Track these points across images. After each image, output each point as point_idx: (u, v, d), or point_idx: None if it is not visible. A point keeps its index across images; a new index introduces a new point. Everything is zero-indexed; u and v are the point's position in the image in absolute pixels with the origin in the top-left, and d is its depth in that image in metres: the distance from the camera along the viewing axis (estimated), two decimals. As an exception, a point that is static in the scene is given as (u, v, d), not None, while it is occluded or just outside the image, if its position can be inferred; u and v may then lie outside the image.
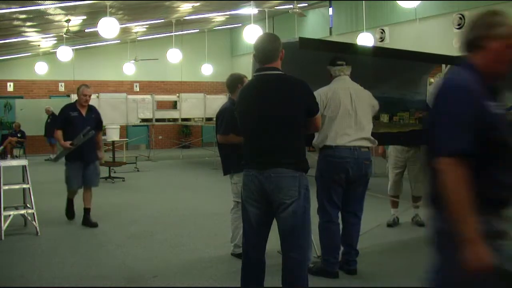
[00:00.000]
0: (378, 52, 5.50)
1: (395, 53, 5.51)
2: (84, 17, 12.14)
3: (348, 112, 4.18)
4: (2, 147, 6.32)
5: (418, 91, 6.10)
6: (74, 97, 14.85)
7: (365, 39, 12.04)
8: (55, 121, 15.54)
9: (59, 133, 6.44)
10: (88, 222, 6.46)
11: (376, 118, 5.69)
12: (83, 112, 6.49)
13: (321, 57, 4.44)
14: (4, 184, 5.87)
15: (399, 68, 5.61)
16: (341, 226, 4.46)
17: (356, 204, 4.45)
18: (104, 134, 13.26)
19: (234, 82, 4.87)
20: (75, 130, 6.31)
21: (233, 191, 4.90)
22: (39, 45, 16.29)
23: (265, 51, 3.26)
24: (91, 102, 6.66)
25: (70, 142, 6.24)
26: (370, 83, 5.43)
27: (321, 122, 3.75)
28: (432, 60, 6.12)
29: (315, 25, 16.12)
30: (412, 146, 6.10)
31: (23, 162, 6.22)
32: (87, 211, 6.53)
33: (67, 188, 6.60)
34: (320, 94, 4.17)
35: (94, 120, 6.58)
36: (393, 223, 6.21)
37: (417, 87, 6.07)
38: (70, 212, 6.76)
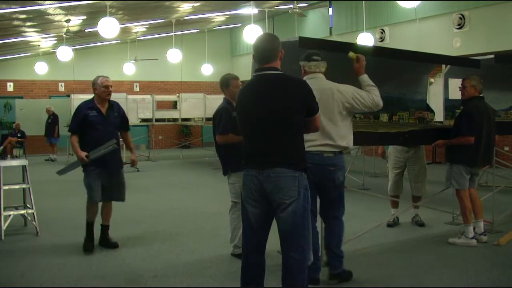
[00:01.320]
0: (378, 52, 5.50)
1: (395, 53, 5.51)
2: (84, 17, 12.14)
3: None
4: (2, 147, 6.31)
5: (418, 91, 6.09)
6: (74, 97, 15.00)
7: (365, 39, 12.04)
8: (56, 121, 15.68)
9: (74, 139, 5.20)
10: (107, 242, 5.43)
11: (375, 117, 5.66)
12: (104, 110, 5.28)
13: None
14: (4, 184, 5.87)
15: (399, 68, 5.61)
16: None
17: (331, 208, 4.28)
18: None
19: (225, 80, 5.03)
20: (95, 135, 5.16)
21: (231, 191, 4.90)
22: (39, 45, 16.30)
23: (264, 51, 3.26)
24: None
25: (86, 154, 5.10)
26: (375, 81, 5.39)
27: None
28: (432, 60, 6.11)
29: (315, 25, 16.12)
30: (411, 146, 6.10)
31: (23, 162, 6.22)
32: (105, 229, 5.49)
33: (88, 202, 5.35)
34: None
35: (119, 119, 5.42)
36: (393, 223, 6.20)
37: (417, 87, 6.08)
38: (89, 241, 5.35)
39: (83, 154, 5.09)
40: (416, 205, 6.22)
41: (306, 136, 3.88)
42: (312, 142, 3.95)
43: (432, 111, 6.14)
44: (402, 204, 6.28)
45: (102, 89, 5.26)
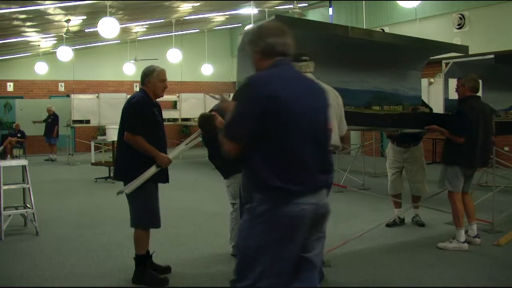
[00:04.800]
0: (357, 33, 5.24)
1: (379, 37, 5.37)
2: (84, 17, 12.15)
3: None
4: (2, 147, 6.32)
5: (412, 87, 5.94)
6: (74, 97, 15.00)
7: (365, 39, 12.03)
8: (56, 121, 15.65)
9: (142, 140, 4.10)
10: (159, 268, 4.45)
11: (367, 108, 5.47)
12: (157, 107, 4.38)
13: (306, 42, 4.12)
14: (4, 184, 5.87)
15: (391, 64, 5.47)
16: None
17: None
18: (104, 134, 13.27)
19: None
20: (160, 138, 4.25)
21: (228, 193, 4.93)
22: (39, 45, 16.30)
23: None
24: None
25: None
26: (361, 77, 5.28)
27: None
28: (418, 45, 5.95)
29: (315, 25, 16.12)
30: (407, 146, 6.05)
31: (23, 162, 6.22)
32: (150, 255, 4.44)
33: (143, 231, 4.26)
34: None
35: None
36: (393, 223, 6.17)
37: (411, 83, 5.92)
38: (155, 273, 4.31)
39: (167, 157, 4.18)
40: (416, 205, 6.19)
41: None
42: None
43: (428, 107, 5.98)
44: (402, 204, 6.26)
45: (158, 83, 4.28)
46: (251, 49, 2.52)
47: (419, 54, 5.77)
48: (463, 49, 5.73)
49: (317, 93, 2.57)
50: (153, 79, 4.24)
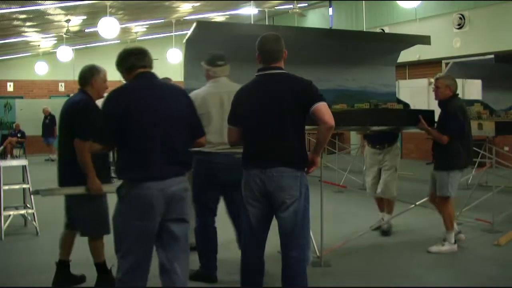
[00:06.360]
0: (289, 31, 4.98)
1: (338, 34, 5.20)
2: (84, 17, 12.15)
3: (214, 120, 3.92)
4: (2, 147, 6.31)
5: (384, 83, 5.68)
6: (74, 97, 14.96)
7: (365, 39, 12.03)
8: (54, 122, 15.63)
9: (87, 152, 3.64)
10: (108, 277, 4.16)
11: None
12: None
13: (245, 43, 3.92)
14: (4, 184, 5.87)
15: (357, 59, 5.26)
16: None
17: (234, 210, 4.18)
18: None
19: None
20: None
21: None
22: (39, 45, 16.31)
23: (273, 51, 3.26)
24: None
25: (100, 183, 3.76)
26: (321, 75, 5.01)
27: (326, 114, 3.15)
28: (378, 38, 5.79)
29: (315, 25, 16.12)
30: (381, 147, 5.80)
31: (23, 162, 6.22)
32: (102, 267, 4.20)
33: (100, 239, 4.12)
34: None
35: None
36: (379, 227, 5.82)
37: (382, 79, 5.68)
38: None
39: (99, 184, 3.75)
40: (389, 210, 5.87)
41: (218, 138, 3.90)
42: (226, 145, 3.71)
43: (403, 103, 5.67)
44: (401, 205, 6.21)
45: (103, 84, 3.98)
46: (118, 69, 3.35)
47: (386, 48, 5.53)
48: (425, 40, 5.67)
49: (174, 99, 3.12)
50: (99, 79, 3.95)
